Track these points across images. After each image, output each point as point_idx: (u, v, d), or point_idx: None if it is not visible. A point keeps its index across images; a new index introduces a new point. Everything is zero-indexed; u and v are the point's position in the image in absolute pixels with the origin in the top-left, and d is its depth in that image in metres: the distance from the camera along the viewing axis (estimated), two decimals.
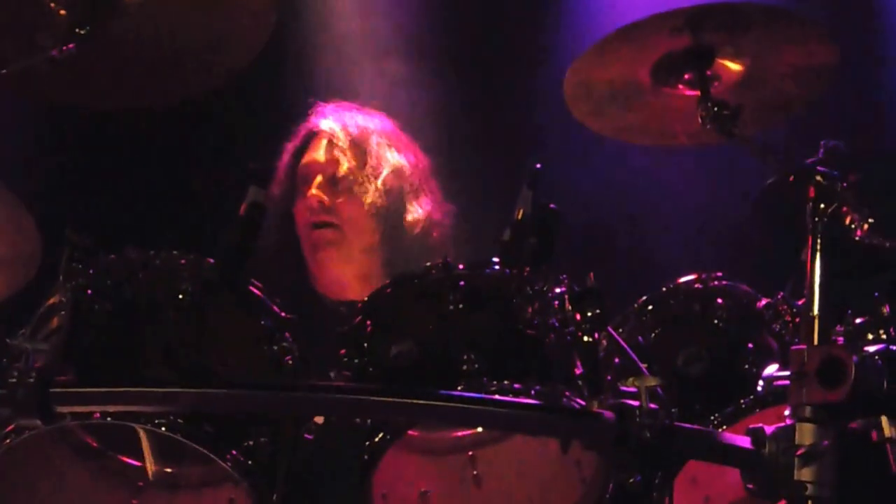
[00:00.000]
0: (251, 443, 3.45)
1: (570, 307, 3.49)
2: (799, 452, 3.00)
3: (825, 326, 3.13)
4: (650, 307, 4.08)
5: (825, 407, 3.02)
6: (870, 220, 3.37)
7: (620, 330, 3.96)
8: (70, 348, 3.34)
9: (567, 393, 3.41)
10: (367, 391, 3.24)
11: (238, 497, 3.55)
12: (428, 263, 3.57)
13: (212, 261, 3.52)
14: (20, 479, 3.56)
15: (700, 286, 4.09)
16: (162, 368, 3.44)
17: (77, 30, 3.75)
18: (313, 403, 3.23)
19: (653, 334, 4.05)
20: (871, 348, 3.13)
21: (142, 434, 3.60)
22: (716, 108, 3.88)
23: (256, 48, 3.99)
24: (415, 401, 3.11)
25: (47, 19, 3.76)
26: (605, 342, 3.53)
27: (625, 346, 3.63)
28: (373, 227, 4.64)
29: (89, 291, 3.46)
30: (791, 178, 3.44)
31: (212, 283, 3.50)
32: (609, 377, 3.46)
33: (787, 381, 3.08)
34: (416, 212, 4.69)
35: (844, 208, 3.33)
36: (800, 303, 3.80)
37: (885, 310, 3.66)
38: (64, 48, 3.70)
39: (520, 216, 3.62)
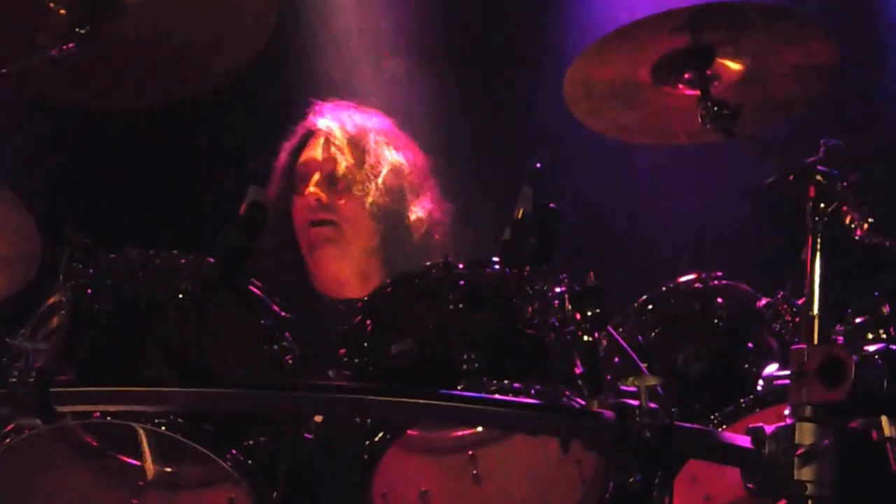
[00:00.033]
0: (251, 442, 3.45)
1: (570, 307, 3.49)
2: (799, 452, 3.00)
3: (825, 326, 3.13)
4: (650, 306, 4.08)
5: (825, 406, 3.02)
6: (870, 220, 3.37)
7: (620, 329, 3.96)
8: (70, 348, 3.34)
9: (567, 392, 3.40)
10: (367, 391, 3.24)
11: (238, 497, 3.55)
12: (428, 263, 3.57)
13: (212, 260, 3.52)
14: (20, 479, 3.55)
15: (700, 285, 4.09)
16: (162, 368, 3.44)
17: (77, 30, 3.75)
18: (313, 403, 3.23)
19: (653, 334, 4.05)
20: (871, 348, 3.14)
21: (142, 434, 3.60)
22: (716, 108, 3.88)
23: (256, 48, 3.99)
24: (415, 400, 3.11)
25: (47, 19, 3.76)
26: (605, 342, 3.53)
27: (625, 345, 3.63)
28: (374, 228, 4.64)
29: (89, 291, 3.46)
30: (791, 177, 3.44)
31: (212, 283, 3.50)
32: (609, 377, 3.46)
33: (787, 381, 3.08)
34: (417, 212, 4.69)
35: (844, 207, 3.33)
36: (800, 302, 3.80)
37: (885, 309, 3.65)
38: (64, 48, 3.71)
39: (520, 216, 3.62)
